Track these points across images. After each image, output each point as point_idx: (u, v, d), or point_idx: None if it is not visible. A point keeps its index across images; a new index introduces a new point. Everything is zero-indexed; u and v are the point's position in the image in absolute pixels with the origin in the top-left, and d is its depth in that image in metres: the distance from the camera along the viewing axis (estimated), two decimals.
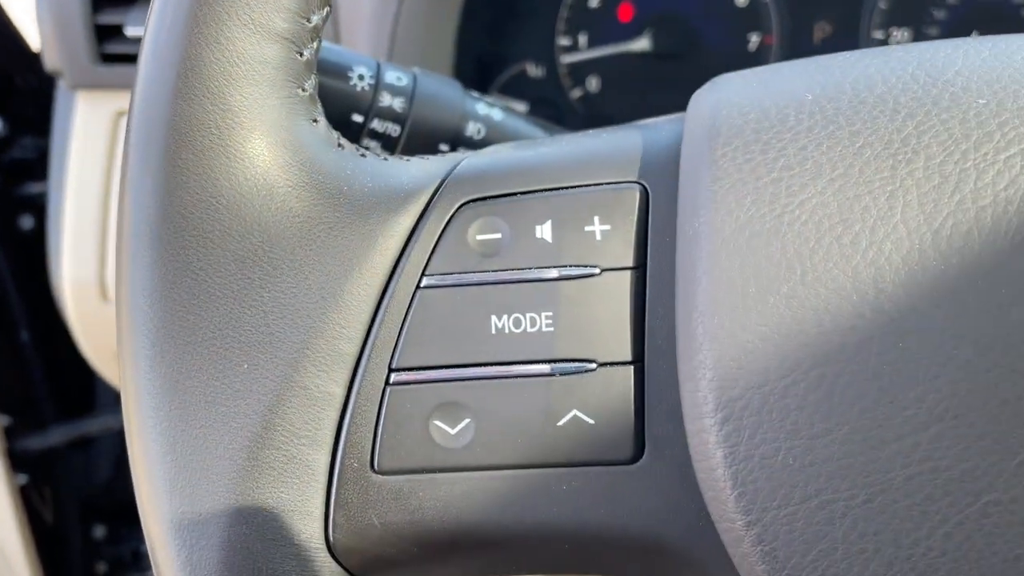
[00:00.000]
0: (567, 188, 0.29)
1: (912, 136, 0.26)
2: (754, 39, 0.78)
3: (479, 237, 0.29)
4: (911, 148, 0.25)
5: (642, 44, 0.79)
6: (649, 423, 0.27)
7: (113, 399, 1.17)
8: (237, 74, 0.27)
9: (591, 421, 0.27)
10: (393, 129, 0.42)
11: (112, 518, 1.22)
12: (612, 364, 0.28)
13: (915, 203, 0.25)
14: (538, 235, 0.28)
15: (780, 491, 0.25)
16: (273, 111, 0.28)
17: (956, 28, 0.76)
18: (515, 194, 0.29)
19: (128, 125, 0.28)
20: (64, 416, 1.13)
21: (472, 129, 0.43)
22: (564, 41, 0.80)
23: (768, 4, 0.78)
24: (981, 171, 0.25)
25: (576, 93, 0.81)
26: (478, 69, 0.79)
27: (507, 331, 0.28)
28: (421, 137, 0.43)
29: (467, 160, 0.30)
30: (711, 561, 0.27)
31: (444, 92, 0.43)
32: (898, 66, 0.28)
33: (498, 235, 0.29)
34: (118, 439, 1.19)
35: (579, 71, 0.80)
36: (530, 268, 0.28)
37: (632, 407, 0.27)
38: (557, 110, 0.81)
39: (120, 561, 1.23)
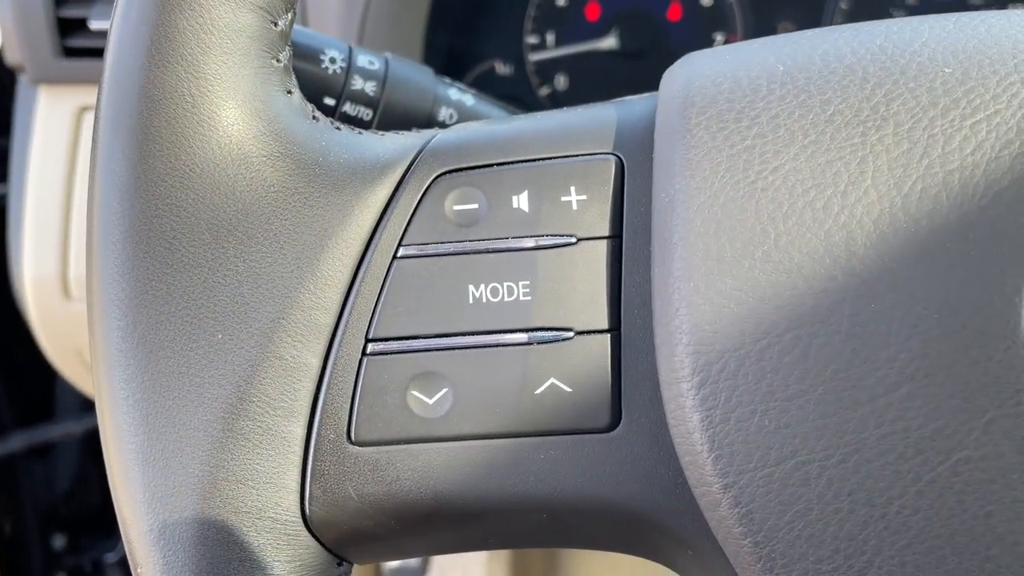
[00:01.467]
0: (543, 159, 0.29)
1: (881, 104, 0.26)
2: (719, 38, 0.79)
3: (456, 207, 0.29)
4: (880, 115, 0.26)
5: (609, 43, 0.79)
6: (626, 391, 0.27)
7: (75, 405, 1.15)
8: (211, 42, 0.27)
9: (568, 389, 0.28)
10: (365, 113, 0.42)
11: (73, 527, 1.20)
12: (589, 332, 0.28)
13: (885, 168, 0.25)
14: (515, 205, 0.29)
15: (756, 453, 0.25)
16: (247, 80, 0.28)
17: None
18: (491, 165, 0.29)
19: (99, 92, 0.28)
20: (24, 422, 1.11)
21: (444, 114, 0.44)
22: (532, 39, 0.81)
23: (732, 4, 0.79)
24: (948, 137, 0.25)
25: (544, 91, 0.81)
26: (447, 66, 0.79)
27: (484, 300, 0.28)
28: (393, 121, 0.43)
29: (442, 133, 0.31)
30: (687, 527, 0.27)
31: (416, 77, 0.43)
32: (867, 38, 0.28)
33: (475, 205, 0.29)
34: (79, 446, 1.17)
35: (547, 69, 0.81)
36: (507, 238, 0.28)
37: (609, 375, 0.28)
38: (525, 108, 0.81)
39: (81, 571, 1.20)
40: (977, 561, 0.24)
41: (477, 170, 0.29)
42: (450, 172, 0.29)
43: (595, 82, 0.80)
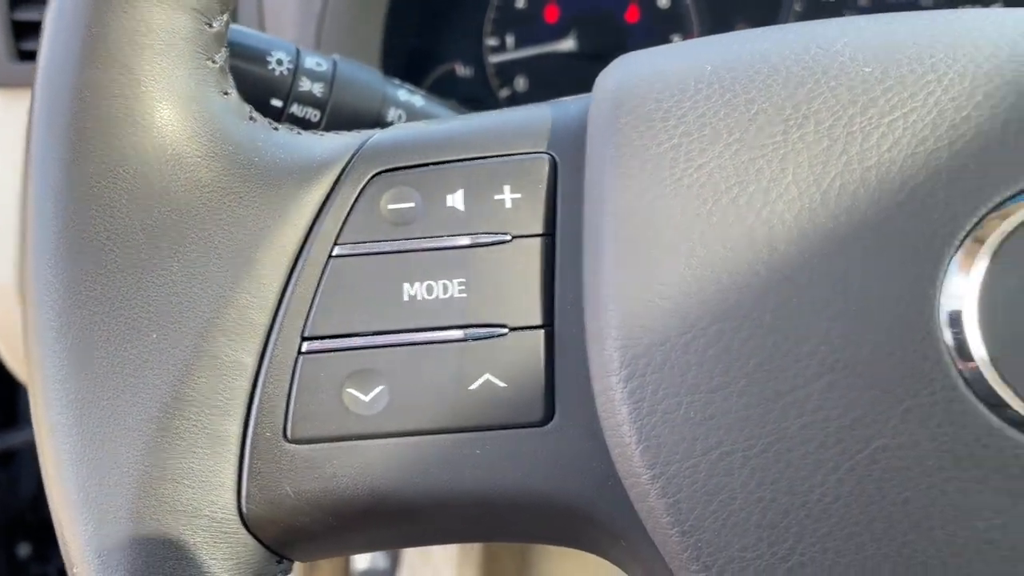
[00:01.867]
0: (478, 159, 0.29)
1: (803, 103, 0.27)
2: (676, 39, 0.80)
3: (391, 206, 0.29)
4: (802, 114, 0.27)
5: (568, 44, 0.80)
6: (559, 385, 0.28)
7: None
8: (144, 43, 0.27)
9: (503, 385, 0.28)
10: (313, 114, 0.42)
11: (38, 535, 1.18)
12: (523, 328, 0.28)
13: (806, 165, 0.26)
14: (450, 204, 0.29)
15: (683, 444, 0.26)
16: (181, 81, 0.28)
17: None
18: (427, 164, 0.29)
19: (32, 92, 0.28)
20: None
21: (393, 115, 0.44)
22: (492, 41, 0.81)
23: (689, 5, 0.80)
24: (867, 134, 0.26)
25: (504, 92, 0.81)
26: (407, 68, 0.80)
27: (420, 298, 0.28)
28: (342, 122, 0.43)
29: (380, 133, 0.31)
30: (620, 519, 0.27)
31: (364, 78, 0.43)
32: (792, 40, 0.29)
33: (410, 204, 0.29)
34: None
35: (507, 71, 0.81)
36: (442, 236, 0.29)
37: (542, 370, 0.28)
38: (484, 109, 0.82)
39: None
40: (895, 547, 0.25)
41: (413, 169, 0.29)
42: (386, 171, 0.29)
43: (555, 83, 0.81)
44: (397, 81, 0.46)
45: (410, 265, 0.28)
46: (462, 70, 0.82)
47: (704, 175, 0.27)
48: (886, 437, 0.25)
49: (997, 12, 0.29)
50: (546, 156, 0.29)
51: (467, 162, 0.29)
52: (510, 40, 0.81)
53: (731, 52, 0.29)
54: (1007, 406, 0.24)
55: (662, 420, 0.26)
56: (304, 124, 0.42)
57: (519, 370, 0.28)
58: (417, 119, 0.45)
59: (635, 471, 0.26)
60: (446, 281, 0.28)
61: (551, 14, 0.81)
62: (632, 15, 0.80)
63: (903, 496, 0.25)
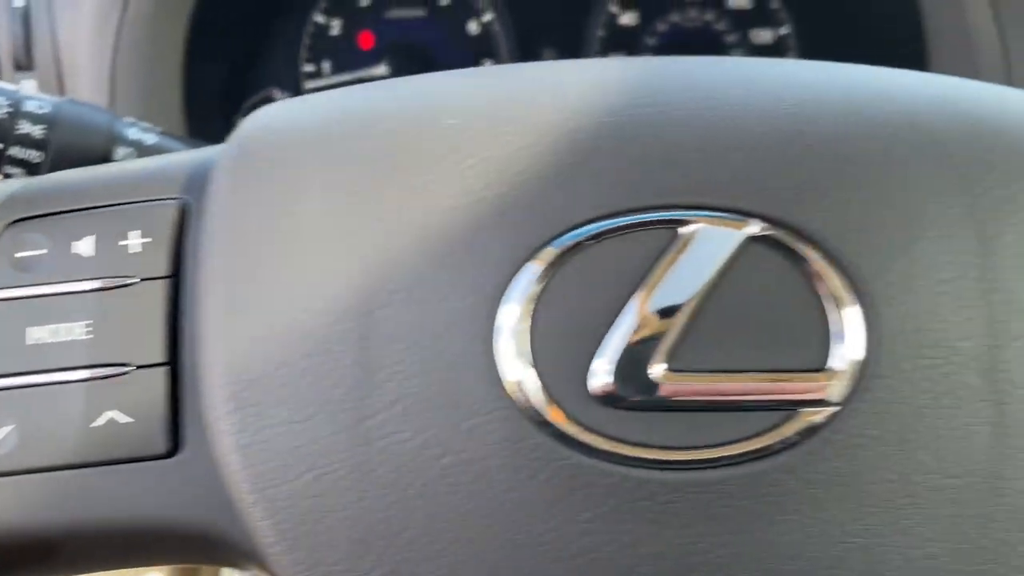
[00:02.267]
0: (111, 206, 0.31)
1: (394, 154, 0.29)
2: (488, 64, 0.83)
3: (18, 255, 0.30)
4: (391, 164, 0.29)
5: (381, 70, 0.82)
6: (184, 418, 0.30)
7: None
8: None
9: (129, 420, 0.30)
10: (35, 156, 0.43)
11: None
12: (148, 366, 0.30)
13: (393, 209, 0.28)
14: (79, 250, 0.30)
15: (281, 470, 0.28)
16: None
17: (666, 54, 0.83)
18: (60, 213, 0.31)
19: None
20: None
21: (122, 154, 0.45)
22: (308, 67, 0.83)
23: (498, 32, 0.83)
24: (445, 180, 0.28)
25: None
26: (223, 96, 0.81)
27: (44, 342, 0.30)
28: (67, 163, 0.44)
29: (26, 182, 0.32)
30: (244, 539, 0.29)
31: (90, 118, 0.45)
32: (405, 94, 0.32)
33: (40, 251, 0.30)
34: None
35: None
36: (68, 281, 0.30)
37: (166, 405, 0.30)
38: None
39: None
40: (465, 554, 0.27)
41: (46, 218, 0.31)
42: (21, 220, 0.31)
43: None
44: (129, 119, 0.47)
45: (35, 310, 0.30)
46: (279, 96, 0.83)
47: (303, 220, 0.29)
48: (452, 455, 0.27)
49: (580, 65, 0.32)
50: (176, 201, 0.31)
51: (99, 209, 0.31)
52: (326, 66, 0.83)
53: (355, 105, 0.31)
54: (550, 423, 0.27)
55: (263, 449, 0.28)
56: (27, 165, 0.43)
57: (143, 406, 0.30)
58: (149, 155, 0.46)
59: (243, 496, 0.28)
60: (71, 324, 0.30)
61: (365, 41, 0.83)
62: (442, 42, 0.83)
63: (469, 507, 0.27)
